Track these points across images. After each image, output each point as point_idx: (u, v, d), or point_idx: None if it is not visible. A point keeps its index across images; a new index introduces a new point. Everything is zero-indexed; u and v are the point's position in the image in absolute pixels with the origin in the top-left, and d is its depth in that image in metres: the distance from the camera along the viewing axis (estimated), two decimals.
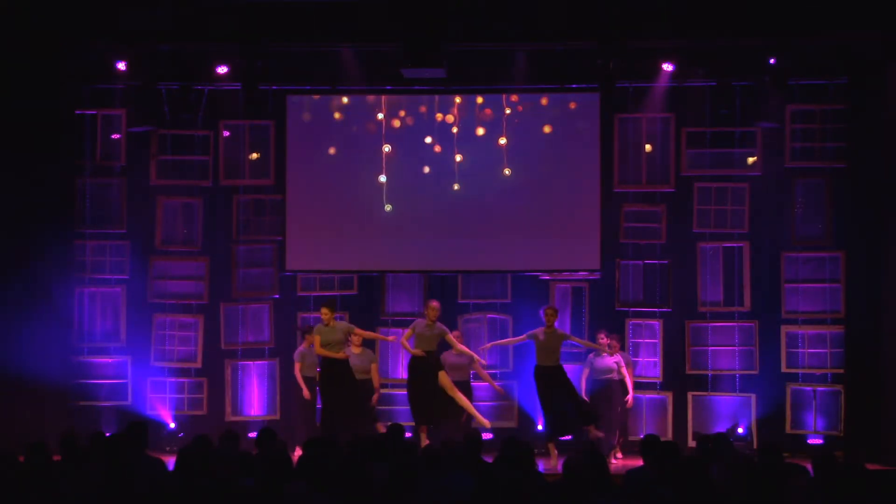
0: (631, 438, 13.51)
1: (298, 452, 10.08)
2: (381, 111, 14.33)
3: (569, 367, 13.31)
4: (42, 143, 13.15)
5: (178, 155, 14.64)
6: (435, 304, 12.87)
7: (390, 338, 13.41)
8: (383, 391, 13.90)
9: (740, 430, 13.87)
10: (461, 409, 12.73)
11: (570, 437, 13.17)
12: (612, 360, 13.31)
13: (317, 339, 12.55)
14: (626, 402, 13.35)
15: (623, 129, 14.47)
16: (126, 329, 14.52)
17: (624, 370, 13.34)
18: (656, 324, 14.38)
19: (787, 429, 13.96)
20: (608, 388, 13.27)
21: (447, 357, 13.22)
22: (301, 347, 13.69)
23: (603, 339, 13.34)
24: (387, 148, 14.30)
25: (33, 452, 7.60)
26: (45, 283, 13.15)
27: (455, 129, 14.25)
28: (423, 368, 12.71)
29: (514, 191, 14.20)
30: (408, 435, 10.69)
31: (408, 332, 12.81)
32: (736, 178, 14.39)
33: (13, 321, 12.94)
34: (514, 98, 14.25)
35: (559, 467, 6.93)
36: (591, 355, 13.39)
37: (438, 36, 12.51)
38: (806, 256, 14.23)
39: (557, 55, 13.71)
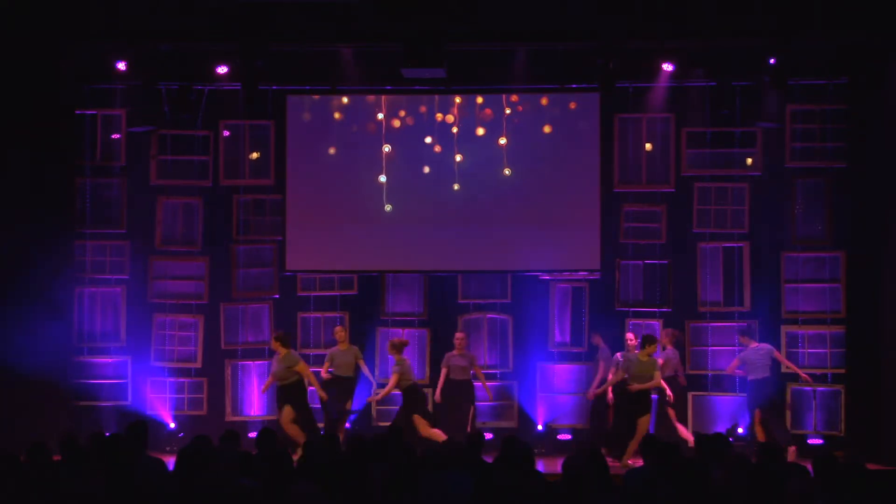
0: None
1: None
2: (381, 111, 14.32)
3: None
4: (42, 142, 13.12)
5: (178, 155, 14.63)
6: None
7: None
8: (381, 391, 13.86)
9: (740, 430, 13.85)
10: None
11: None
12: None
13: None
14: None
15: (623, 129, 14.47)
16: (126, 329, 14.52)
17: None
18: (656, 324, 14.37)
19: (788, 429, 13.94)
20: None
21: (450, 359, 13.48)
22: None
23: (631, 340, 13.36)
24: (387, 148, 14.29)
25: (34, 452, 7.60)
26: (45, 282, 13.12)
27: (455, 129, 14.24)
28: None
29: (515, 191, 14.20)
30: None
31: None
32: (736, 178, 14.39)
33: (13, 321, 12.92)
34: (514, 98, 14.24)
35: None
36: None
37: (438, 36, 12.50)
38: (806, 256, 14.23)
39: (557, 55, 13.71)
